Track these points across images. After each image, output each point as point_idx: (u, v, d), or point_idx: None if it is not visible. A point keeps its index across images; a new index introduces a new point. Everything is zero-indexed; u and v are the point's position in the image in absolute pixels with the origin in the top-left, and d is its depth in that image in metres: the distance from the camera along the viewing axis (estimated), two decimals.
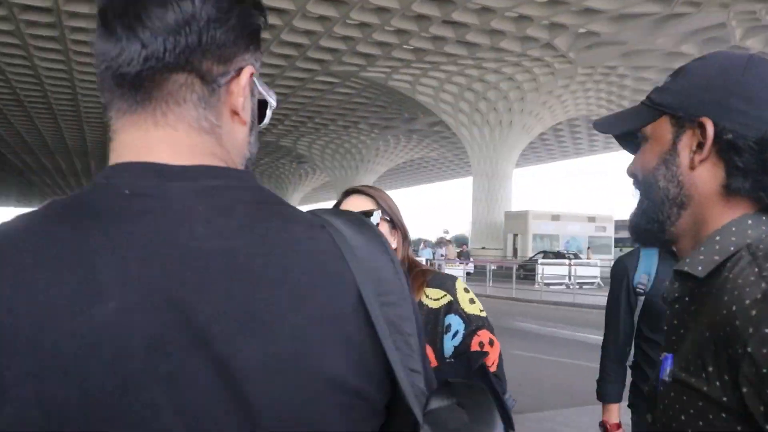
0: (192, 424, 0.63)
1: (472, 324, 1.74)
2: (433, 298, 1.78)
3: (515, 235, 33.59)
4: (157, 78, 0.71)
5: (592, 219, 34.81)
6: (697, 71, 0.99)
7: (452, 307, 1.76)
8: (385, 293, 0.72)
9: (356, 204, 1.88)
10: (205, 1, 0.72)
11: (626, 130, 1.07)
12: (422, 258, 24.16)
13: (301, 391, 0.66)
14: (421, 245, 31.39)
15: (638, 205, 1.04)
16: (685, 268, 0.94)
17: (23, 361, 0.60)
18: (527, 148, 41.13)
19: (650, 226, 1.02)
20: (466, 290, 1.84)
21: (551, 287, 23.97)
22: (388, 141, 48.94)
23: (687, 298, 0.97)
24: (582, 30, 27.49)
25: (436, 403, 0.72)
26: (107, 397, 0.61)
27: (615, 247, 34.37)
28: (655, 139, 1.02)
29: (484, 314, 1.79)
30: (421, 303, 1.76)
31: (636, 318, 2.52)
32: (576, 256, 29.05)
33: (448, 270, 22.79)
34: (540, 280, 23.85)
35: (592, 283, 24.68)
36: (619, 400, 2.67)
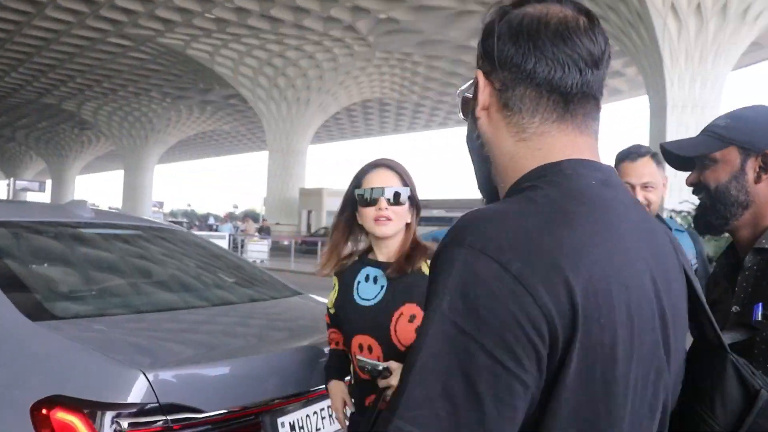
0: (662, 356, 0.87)
1: None
2: None
3: (309, 212, 34.32)
4: (584, 100, 0.91)
5: None
6: (756, 118, 1.52)
7: None
8: (686, 261, 1.00)
9: (384, 178, 1.97)
10: (606, 43, 0.93)
11: (700, 154, 1.53)
12: (224, 233, 23.71)
13: (681, 335, 0.93)
14: (221, 221, 30.76)
15: (706, 205, 1.54)
16: (766, 246, 1.45)
17: (601, 310, 0.78)
18: (321, 126, 41.90)
19: (718, 222, 1.50)
20: None
21: None
22: (181, 111, 47.07)
23: (755, 267, 1.44)
24: (383, 16, 28.64)
25: (730, 339, 1.07)
26: (642, 334, 0.82)
27: None
28: (725, 162, 1.50)
29: None
30: (422, 272, 1.90)
31: None
32: None
33: (250, 246, 22.66)
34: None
35: None
36: None
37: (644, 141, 22.34)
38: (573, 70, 0.89)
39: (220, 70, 34.39)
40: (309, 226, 35.28)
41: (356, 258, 2.07)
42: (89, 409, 1.73)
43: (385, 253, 1.99)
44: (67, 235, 3.06)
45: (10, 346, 2.01)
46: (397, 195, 1.94)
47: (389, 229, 1.94)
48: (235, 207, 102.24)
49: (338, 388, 2.07)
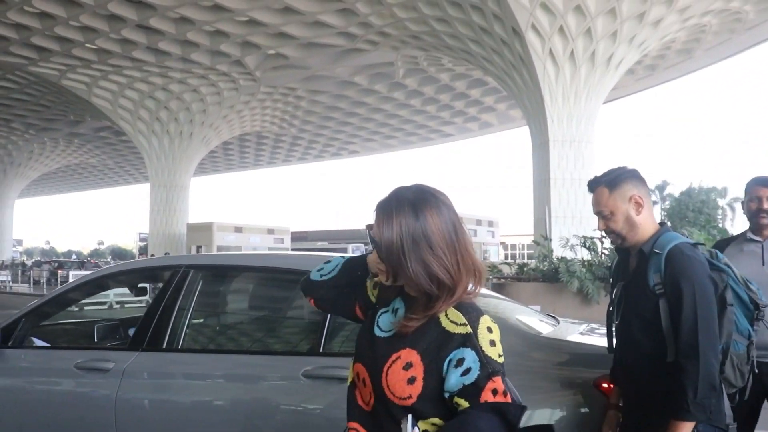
0: None
1: (489, 367, 1.51)
2: (452, 320, 1.56)
3: (199, 247, 33.59)
4: None
5: (271, 231, 36.47)
6: None
7: (469, 340, 1.52)
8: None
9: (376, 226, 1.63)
10: None
11: None
12: None
13: None
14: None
15: None
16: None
17: None
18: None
19: None
20: (489, 330, 1.56)
21: None
22: (45, 144, 44.62)
23: None
24: (272, 51, 29.06)
25: None
26: None
27: None
28: None
29: (501, 360, 1.56)
30: (437, 319, 1.56)
31: None
32: None
33: None
34: None
35: None
36: None
37: (528, 173, 24.29)
38: None
39: (98, 102, 33.17)
40: None
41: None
42: None
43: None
44: None
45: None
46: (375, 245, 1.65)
47: (381, 277, 1.66)
48: (101, 243, 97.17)
49: None
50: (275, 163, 56.01)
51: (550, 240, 17.91)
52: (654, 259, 2.26)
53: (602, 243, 17.11)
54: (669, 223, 2.62)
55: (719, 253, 2.37)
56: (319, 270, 1.87)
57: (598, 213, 2.43)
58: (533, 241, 19.74)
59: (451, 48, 25.56)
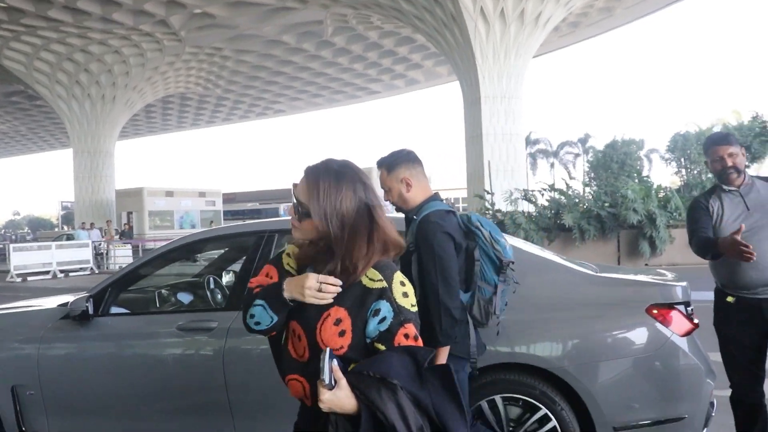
0: None
1: (401, 315, 1.74)
2: (370, 278, 1.77)
3: (129, 213, 32.83)
4: None
5: (202, 194, 35.95)
6: None
7: (385, 294, 1.75)
8: None
9: (300, 185, 1.85)
10: None
11: None
12: (86, 240, 22.01)
13: None
14: (80, 227, 28.02)
15: None
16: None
17: None
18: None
19: None
20: (402, 283, 1.80)
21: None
22: None
23: None
24: (198, 11, 28.32)
25: None
26: None
27: (225, 219, 36.23)
28: None
29: (414, 309, 1.79)
30: (361, 282, 1.77)
31: None
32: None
33: (119, 251, 21.51)
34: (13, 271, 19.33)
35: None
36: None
37: (460, 129, 24.90)
38: None
39: (10, 65, 31.56)
40: (131, 228, 33.80)
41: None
42: (675, 306, 3.28)
43: None
44: None
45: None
46: (295, 207, 1.85)
47: (295, 233, 1.87)
48: (16, 214, 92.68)
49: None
50: (199, 125, 54.76)
51: (493, 194, 18.73)
52: (413, 224, 2.89)
53: (542, 195, 18.03)
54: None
55: (472, 218, 2.97)
56: (252, 319, 1.86)
57: (381, 188, 3.00)
58: (475, 195, 20.46)
59: (382, 6, 25.61)
